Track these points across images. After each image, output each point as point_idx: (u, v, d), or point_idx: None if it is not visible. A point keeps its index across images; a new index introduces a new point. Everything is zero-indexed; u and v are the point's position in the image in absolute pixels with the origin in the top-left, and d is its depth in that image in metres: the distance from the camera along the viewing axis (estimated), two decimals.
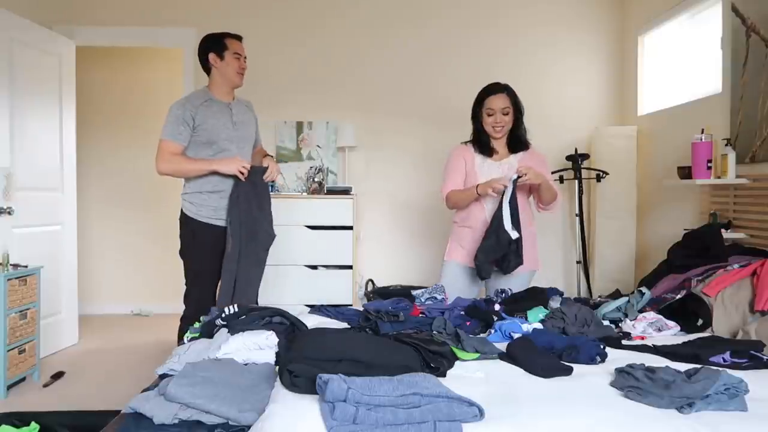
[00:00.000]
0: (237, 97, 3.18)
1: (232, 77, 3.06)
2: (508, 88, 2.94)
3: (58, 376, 3.59)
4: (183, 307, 3.07)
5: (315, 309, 2.60)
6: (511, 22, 4.74)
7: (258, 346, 1.87)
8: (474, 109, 2.99)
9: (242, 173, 2.92)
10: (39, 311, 3.56)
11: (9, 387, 3.31)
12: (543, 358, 1.88)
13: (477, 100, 2.98)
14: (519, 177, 2.73)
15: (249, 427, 1.44)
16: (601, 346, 1.96)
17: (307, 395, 1.50)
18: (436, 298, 2.71)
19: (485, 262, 2.80)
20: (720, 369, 1.64)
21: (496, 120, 2.90)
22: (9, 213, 3.65)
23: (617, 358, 1.94)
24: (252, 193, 2.97)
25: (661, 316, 2.40)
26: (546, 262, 3.02)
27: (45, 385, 3.46)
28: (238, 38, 3.13)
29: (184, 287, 3.07)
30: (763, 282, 2.37)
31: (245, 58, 3.12)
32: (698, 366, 1.71)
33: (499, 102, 2.90)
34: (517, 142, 2.98)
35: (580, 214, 4.49)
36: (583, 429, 1.40)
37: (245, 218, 2.95)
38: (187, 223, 3.04)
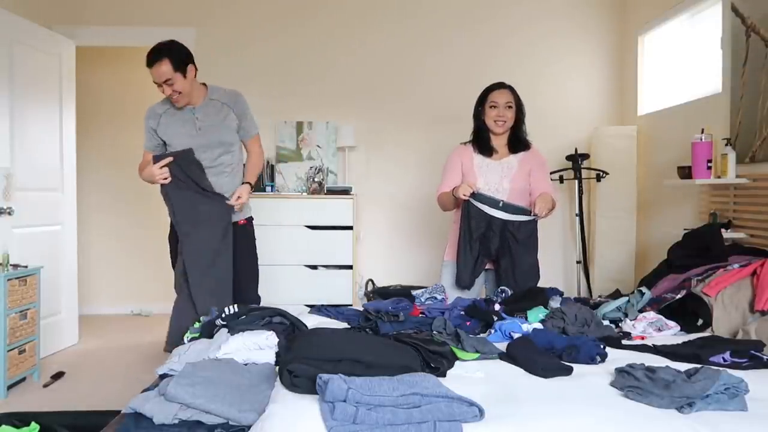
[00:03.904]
0: (210, 94, 2.95)
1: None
2: (511, 87, 2.99)
3: (58, 376, 3.59)
4: None
5: (315, 309, 2.60)
6: (512, 22, 4.74)
7: (258, 346, 1.87)
8: (477, 106, 3.01)
9: (165, 179, 2.79)
10: (39, 311, 3.56)
11: (9, 387, 3.31)
12: (543, 358, 1.88)
13: (480, 97, 3.01)
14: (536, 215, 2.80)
15: (249, 427, 1.44)
16: (601, 346, 1.96)
17: (307, 395, 1.50)
18: (436, 298, 2.70)
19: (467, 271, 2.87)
20: (720, 369, 1.64)
21: (499, 113, 2.92)
22: (9, 213, 3.65)
23: (617, 358, 1.94)
24: (182, 178, 2.81)
25: (661, 316, 2.39)
26: (546, 262, 3.02)
27: (45, 385, 3.46)
28: (149, 64, 2.77)
29: None
30: (763, 282, 2.37)
31: (167, 81, 2.76)
32: (698, 366, 1.71)
33: (503, 96, 2.94)
34: (518, 141, 2.99)
35: (580, 214, 4.49)
36: (583, 429, 1.40)
37: (183, 207, 2.84)
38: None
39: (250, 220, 3.16)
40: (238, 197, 2.90)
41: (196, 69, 2.89)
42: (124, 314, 5.36)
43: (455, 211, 3.04)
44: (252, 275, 3.14)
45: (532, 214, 2.80)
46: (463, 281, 2.87)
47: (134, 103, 5.45)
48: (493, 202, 2.82)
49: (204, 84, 2.98)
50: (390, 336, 1.97)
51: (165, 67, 2.74)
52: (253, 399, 1.55)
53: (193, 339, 2.16)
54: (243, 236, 3.08)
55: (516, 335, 2.15)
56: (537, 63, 4.72)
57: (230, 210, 2.93)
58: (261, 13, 4.69)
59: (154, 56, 2.75)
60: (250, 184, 3.01)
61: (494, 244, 2.84)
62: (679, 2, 3.94)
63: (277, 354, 1.86)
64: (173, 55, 2.77)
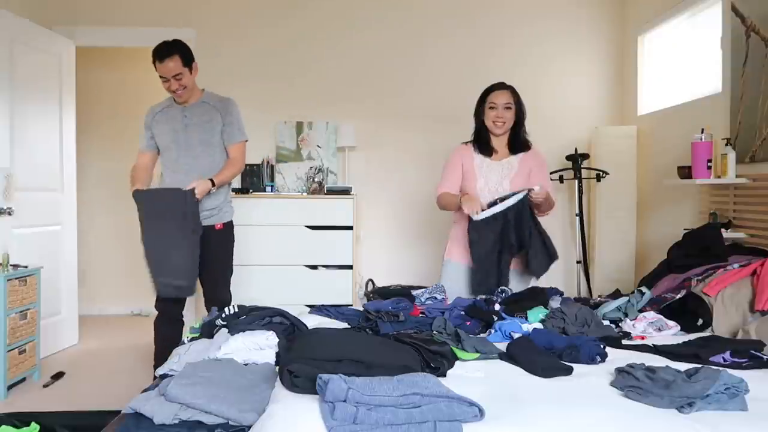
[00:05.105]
0: (204, 97, 3.07)
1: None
2: (512, 88, 2.98)
3: (58, 376, 3.59)
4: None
5: (315, 309, 2.60)
6: (512, 22, 4.74)
7: (258, 346, 1.87)
8: (477, 106, 3.01)
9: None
10: (39, 311, 3.56)
11: (9, 387, 3.31)
12: (543, 358, 1.88)
13: (480, 97, 3.00)
14: (531, 189, 2.71)
15: (249, 427, 1.44)
16: (601, 346, 1.96)
17: (307, 395, 1.50)
18: (436, 298, 2.70)
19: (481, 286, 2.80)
20: (720, 369, 1.64)
21: (498, 114, 2.91)
22: (9, 213, 3.65)
23: (617, 357, 1.94)
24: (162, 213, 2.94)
25: (661, 316, 2.39)
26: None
27: (45, 386, 3.46)
28: (160, 58, 2.89)
29: None
30: (763, 281, 2.37)
31: (176, 76, 2.91)
32: (698, 366, 1.71)
33: (502, 98, 2.93)
34: (518, 142, 2.99)
35: (580, 214, 4.49)
36: (583, 429, 1.40)
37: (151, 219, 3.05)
38: None
39: (229, 225, 3.16)
40: (194, 189, 2.86)
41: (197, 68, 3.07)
42: (124, 314, 5.36)
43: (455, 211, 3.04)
44: (223, 278, 3.16)
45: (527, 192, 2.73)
46: (488, 285, 2.77)
47: (134, 103, 5.43)
48: (492, 204, 2.79)
49: (202, 90, 3.12)
50: (390, 336, 1.97)
51: (176, 63, 2.90)
52: (253, 399, 1.55)
53: (193, 339, 2.16)
54: (219, 240, 3.11)
55: (516, 335, 2.15)
56: (537, 63, 4.72)
57: (189, 200, 2.86)
58: (261, 14, 4.68)
59: (166, 51, 2.89)
60: (212, 181, 2.95)
61: (512, 236, 2.74)
62: (678, 2, 3.94)
63: (277, 354, 1.86)
64: (183, 51, 2.94)
